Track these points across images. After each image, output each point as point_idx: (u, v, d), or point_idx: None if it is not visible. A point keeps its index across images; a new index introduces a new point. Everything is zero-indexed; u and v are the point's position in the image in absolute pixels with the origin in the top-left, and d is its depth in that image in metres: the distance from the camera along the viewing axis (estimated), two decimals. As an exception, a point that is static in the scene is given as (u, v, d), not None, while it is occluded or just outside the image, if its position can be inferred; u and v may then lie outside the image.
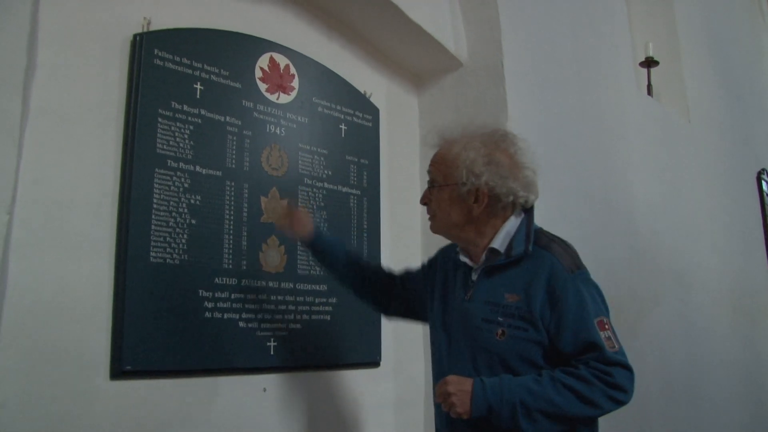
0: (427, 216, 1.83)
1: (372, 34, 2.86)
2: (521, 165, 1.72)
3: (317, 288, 2.47)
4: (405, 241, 2.94)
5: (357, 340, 2.58)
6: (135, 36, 2.10)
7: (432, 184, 1.79)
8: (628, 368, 1.59)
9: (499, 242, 1.71)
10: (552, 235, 1.75)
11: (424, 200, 1.82)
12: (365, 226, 2.69)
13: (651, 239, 3.74)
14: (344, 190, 2.64)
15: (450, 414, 1.60)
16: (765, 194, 5.53)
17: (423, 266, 2.06)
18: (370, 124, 2.81)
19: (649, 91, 4.35)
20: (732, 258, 4.72)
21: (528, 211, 1.75)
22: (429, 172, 1.81)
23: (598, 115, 3.52)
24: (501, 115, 2.82)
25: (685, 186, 4.28)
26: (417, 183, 3.04)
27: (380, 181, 2.80)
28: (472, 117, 2.91)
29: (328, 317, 2.49)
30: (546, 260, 1.65)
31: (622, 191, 3.59)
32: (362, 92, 2.82)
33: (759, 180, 5.50)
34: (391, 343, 2.76)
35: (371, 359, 2.64)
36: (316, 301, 2.46)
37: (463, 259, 1.79)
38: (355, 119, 2.75)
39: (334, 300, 2.51)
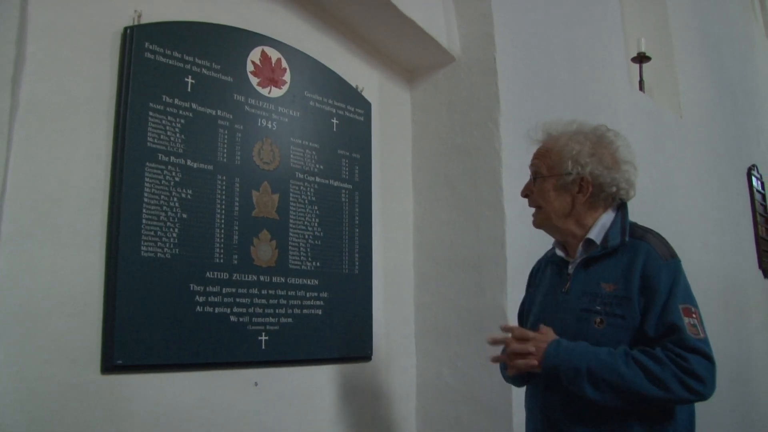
0: (531, 210, 1.86)
1: (364, 28, 2.86)
2: (621, 160, 1.78)
3: (308, 282, 2.47)
4: (397, 236, 2.95)
5: (348, 334, 2.58)
6: (126, 29, 2.09)
7: (535, 176, 1.83)
8: (708, 358, 1.56)
9: (595, 234, 1.75)
10: (646, 227, 1.78)
11: (525, 192, 1.86)
12: (357, 221, 2.69)
13: (642, 234, 3.75)
14: (336, 184, 2.64)
15: (528, 368, 1.66)
16: (755, 190, 5.56)
17: (527, 290, 2.05)
18: (362, 119, 2.81)
19: (641, 87, 4.36)
20: (722, 253, 4.74)
21: (621, 207, 1.79)
22: (532, 165, 1.85)
23: (590, 110, 3.51)
24: (493, 109, 2.82)
25: (677, 181, 4.30)
26: (409, 177, 3.05)
27: (372, 175, 2.80)
28: (465, 112, 2.92)
29: (320, 311, 2.49)
30: (641, 248, 1.68)
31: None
32: (354, 86, 2.81)
33: (749, 176, 5.53)
34: (383, 337, 2.77)
35: (362, 353, 2.65)
36: (308, 295, 2.46)
37: (560, 253, 1.83)
38: (347, 113, 2.75)
39: (325, 294, 2.51)
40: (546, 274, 1.90)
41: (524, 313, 1.99)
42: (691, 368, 1.53)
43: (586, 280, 1.73)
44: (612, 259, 1.71)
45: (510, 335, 1.73)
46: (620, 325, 1.63)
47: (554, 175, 1.78)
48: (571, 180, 1.75)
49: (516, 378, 1.85)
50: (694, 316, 1.61)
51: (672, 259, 1.68)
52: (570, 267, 1.79)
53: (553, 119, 1.86)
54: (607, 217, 1.77)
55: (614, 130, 1.84)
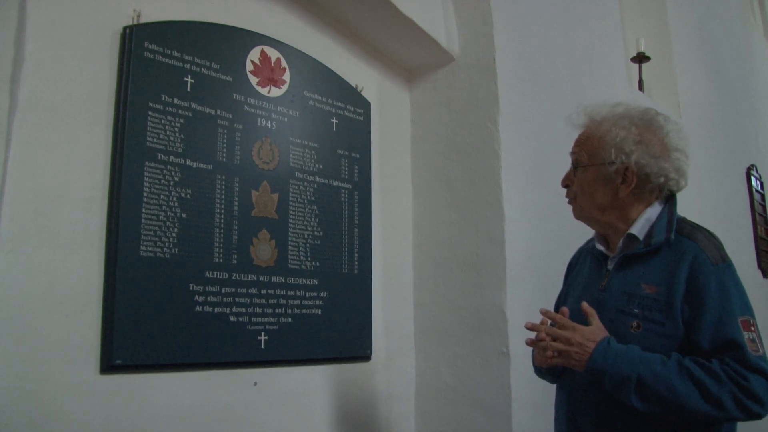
0: (568, 200, 1.74)
1: (364, 28, 2.86)
2: (672, 147, 1.63)
3: (308, 282, 2.47)
4: (396, 236, 2.94)
5: (348, 334, 2.58)
6: (125, 28, 2.09)
7: (576, 165, 1.69)
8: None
9: (638, 228, 1.61)
10: (696, 224, 1.64)
11: (566, 182, 1.73)
12: (356, 221, 2.69)
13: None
14: (335, 184, 2.64)
15: (566, 363, 1.52)
16: (754, 190, 5.57)
17: (564, 283, 1.92)
18: (362, 118, 2.81)
19: (641, 87, 4.37)
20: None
21: (670, 199, 1.65)
22: (573, 153, 1.71)
23: (589, 111, 3.51)
24: (492, 109, 2.82)
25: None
26: (408, 177, 3.05)
27: (371, 175, 2.80)
28: (464, 112, 2.92)
29: (319, 311, 2.49)
30: (689, 250, 1.53)
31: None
32: (354, 86, 2.81)
33: (748, 176, 5.54)
34: (382, 336, 2.77)
35: (362, 353, 2.65)
36: (307, 295, 2.45)
37: (599, 247, 1.70)
38: (346, 113, 2.74)
39: (324, 294, 2.51)
40: (584, 266, 1.77)
41: (560, 307, 1.86)
42: (751, 389, 1.41)
43: (625, 279, 1.59)
44: (656, 258, 1.57)
45: (546, 324, 1.58)
46: (658, 332, 1.50)
47: (596, 164, 1.63)
48: (614, 170, 1.60)
49: (549, 373, 1.73)
50: (752, 329, 1.48)
51: (723, 264, 1.53)
52: (609, 262, 1.66)
53: (596, 102, 1.70)
54: (652, 211, 1.62)
55: (664, 114, 1.68)
